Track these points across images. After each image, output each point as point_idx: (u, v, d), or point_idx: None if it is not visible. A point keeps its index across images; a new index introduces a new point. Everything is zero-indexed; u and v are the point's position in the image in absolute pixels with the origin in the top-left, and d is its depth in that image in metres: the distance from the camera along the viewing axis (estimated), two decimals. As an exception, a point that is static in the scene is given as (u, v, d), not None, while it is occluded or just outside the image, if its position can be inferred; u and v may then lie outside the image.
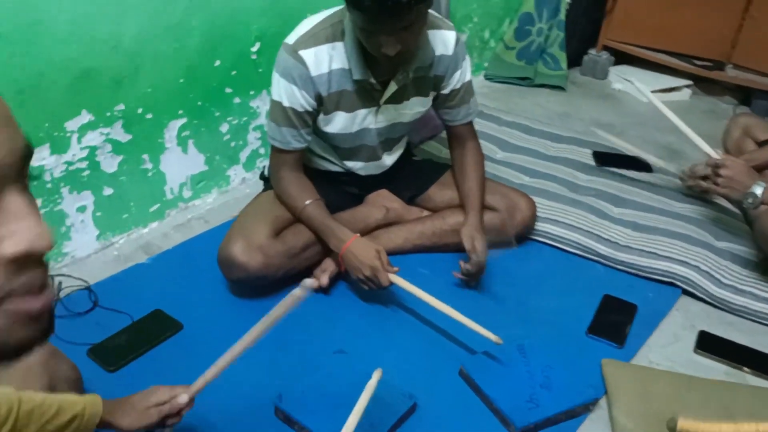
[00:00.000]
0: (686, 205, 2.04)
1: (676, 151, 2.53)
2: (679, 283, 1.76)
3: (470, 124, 1.81)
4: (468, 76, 1.73)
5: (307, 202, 1.61)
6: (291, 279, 1.66)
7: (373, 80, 1.55)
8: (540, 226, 1.90)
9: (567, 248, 1.88)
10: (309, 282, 1.03)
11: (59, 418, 0.99)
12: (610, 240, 1.85)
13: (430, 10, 1.62)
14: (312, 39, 1.50)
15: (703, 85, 3.09)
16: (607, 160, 2.29)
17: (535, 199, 1.93)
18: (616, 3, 3.08)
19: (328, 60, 1.51)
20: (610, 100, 3.02)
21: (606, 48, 3.21)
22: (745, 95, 3.01)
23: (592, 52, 3.22)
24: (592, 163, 2.28)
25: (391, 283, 1.55)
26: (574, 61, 3.21)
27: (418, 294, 1.51)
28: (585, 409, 1.39)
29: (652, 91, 2.90)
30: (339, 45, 1.52)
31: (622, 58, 3.21)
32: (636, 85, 2.08)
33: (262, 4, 1.89)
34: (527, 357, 1.48)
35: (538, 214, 1.91)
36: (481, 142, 2.34)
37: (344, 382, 1.38)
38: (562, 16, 3.03)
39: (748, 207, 1.69)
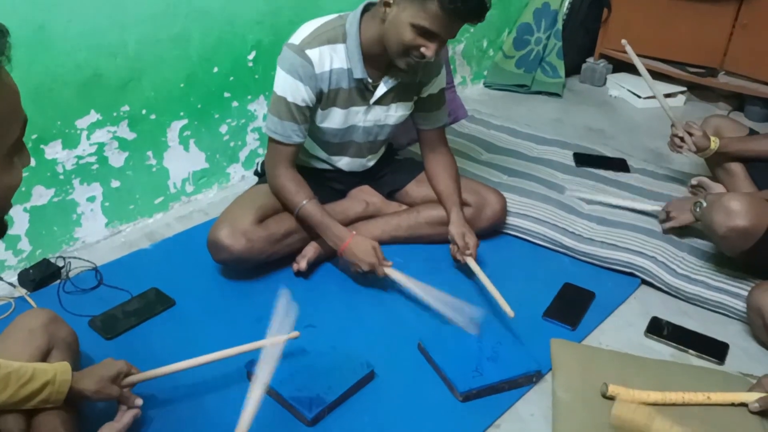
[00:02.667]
0: (658, 202, 2.14)
1: (661, 155, 2.63)
2: (637, 273, 1.87)
3: (442, 128, 1.96)
4: (444, 83, 1.88)
5: (305, 201, 1.76)
6: (273, 263, 1.84)
7: (369, 80, 1.71)
8: (511, 220, 2.04)
9: (535, 240, 2.01)
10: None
11: (33, 384, 1.15)
12: (574, 233, 1.97)
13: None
14: (316, 40, 1.67)
15: (697, 91, 3.18)
16: (587, 160, 2.41)
17: (509, 195, 2.07)
18: (611, 14, 3.20)
19: (329, 59, 1.68)
20: (604, 107, 3.12)
21: (603, 56, 3.32)
22: (739, 101, 3.08)
23: (590, 60, 3.34)
24: (572, 163, 2.40)
25: (385, 275, 1.71)
26: (574, 69, 3.33)
27: (410, 285, 1.68)
28: (527, 380, 1.51)
29: (647, 98, 3.04)
30: (339, 47, 1.69)
31: (619, 66, 3.31)
32: (626, 48, 2.18)
33: (257, 15, 2.09)
34: (481, 334, 1.61)
35: (510, 209, 2.04)
36: (468, 143, 2.52)
37: (310, 351, 1.55)
38: (560, 26, 3.16)
39: (698, 215, 1.80)
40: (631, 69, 3.27)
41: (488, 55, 3.22)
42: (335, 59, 1.69)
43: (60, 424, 1.20)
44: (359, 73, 1.70)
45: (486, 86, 3.25)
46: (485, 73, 3.25)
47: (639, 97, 3.11)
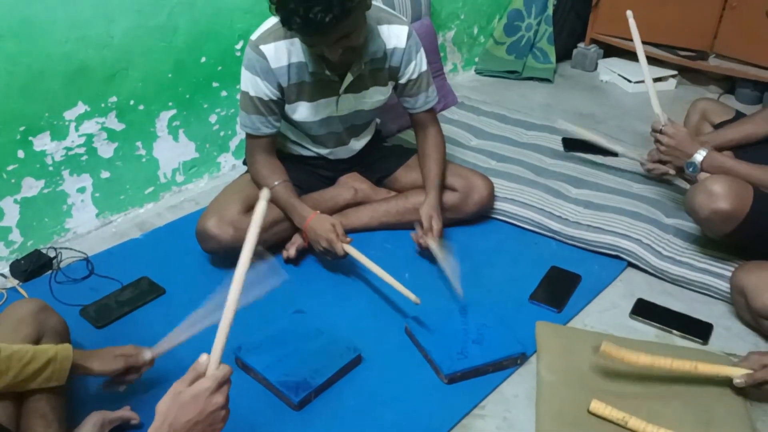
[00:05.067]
0: (645, 186, 2.16)
1: (651, 139, 2.63)
2: (623, 256, 1.88)
3: (431, 111, 1.96)
4: (424, 67, 1.88)
5: (276, 183, 1.80)
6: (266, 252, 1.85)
7: (328, 72, 1.72)
8: (498, 205, 2.05)
9: (522, 225, 2.03)
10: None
11: (35, 363, 1.18)
12: (561, 217, 1.98)
13: (382, 6, 1.80)
14: (272, 35, 1.68)
15: (688, 75, 3.18)
16: (576, 145, 2.41)
17: (497, 180, 2.09)
18: (601, -2, 3.20)
19: (287, 54, 1.69)
20: (595, 92, 3.13)
21: (594, 41, 3.32)
22: (730, 84, 3.08)
23: (581, 45, 3.34)
24: (561, 148, 2.41)
25: (346, 254, 1.73)
26: (565, 54, 3.33)
27: (365, 261, 1.68)
28: (512, 362, 1.54)
29: (637, 82, 3.04)
30: (297, 41, 1.70)
31: (610, 51, 3.31)
32: (630, 20, 2.16)
33: (244, 4, 2.09)
34: (467, 317, 1.64)
35: (498, 194, 2.05)
36: (458, 130, 2.52)
37: (298, 335, 1.57)
38: (550, 11, 3.15)
39: (690, 175, 1.80)
40: (622, 54, 3.29)
41: (479, 41, 3.22)
42: (294, 54, 1.70)
43: (49, 410, 1.22)
44: (313, 66, 1.71)
45: (477, 73, 3.26)
46: (476, 59, 3.26)
47: (629, 81, 3.11)
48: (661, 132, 1.84)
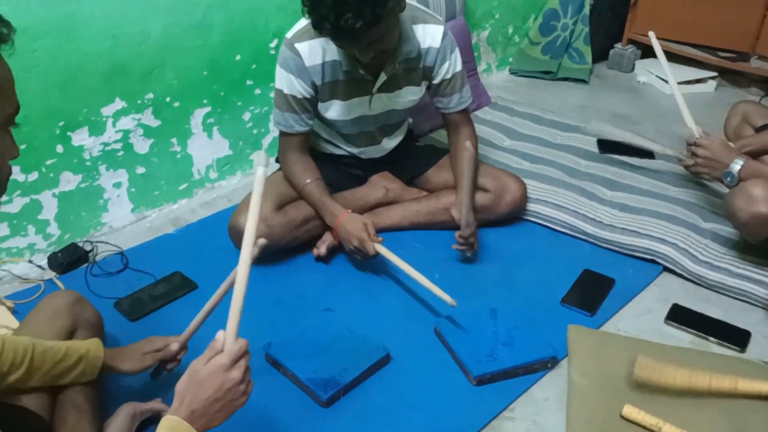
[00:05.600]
0: (683, 189, 2.11)
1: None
2: (658, 260, 1.84)
3: (464, 111, 1.95)
4: (458, 67, 1.87)
5: (308, 181, 1.80)
6: (293, 249, 1.87)
7: (362, 71, 1.72)
8: (531, 206, 2.03)
9: (554, 227, 2.00)
10: (261, 242, 1.18)
11: (68, 360, 1.21)
12: (595, 219, 1.95)
13: (417, 5, 1.79)
14: (307, 33, 1.69)
15: (728, 76, 3.10)
16: (611, 147, 2.37)
17: (530, 182, 2.06)
18: (639, -3, 3.14)
19: (321, 52, 1.70)
20: (632, 93, 3.07)
21: (631, 42, 3.26)
22: (771, 86, 3.00)
23: (618, 46, 3.28)
24: (596, 150, 2.37)
25: (377, 253, 1.72)
26: (601, 55, 3.28)
27: (397, 261, 1.67)
28: (543, 366, 1.51)
29: (677, 83, 2.97)
30: None
31: (648, 51, 3.24)
32: (652, 40, 2.13)
33: (278, 3, 2.10)
34: (497, 320, 1.62)
35: (530, 195, 2.03)
36: (491, 130, 2.50)
37: (327, 334, 1.57)
38: (587, 11, 3.11)
39: (728, 185, 1.76)
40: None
41: (514, 41, 3.19)
42: (329, 52, 1.71)
43: (83, 401, 1.25)
44: (347, 65, 1.71)
45: (511, 73, 3.23)
46: (510, 59, 3.23)
47: (668, 83, 3.04)
48: (696, 144, 1.81)
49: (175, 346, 1.36)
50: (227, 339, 0.95)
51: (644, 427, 1.33)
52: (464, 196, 1.81)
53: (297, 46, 1.69)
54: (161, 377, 1.40)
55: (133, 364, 1.33)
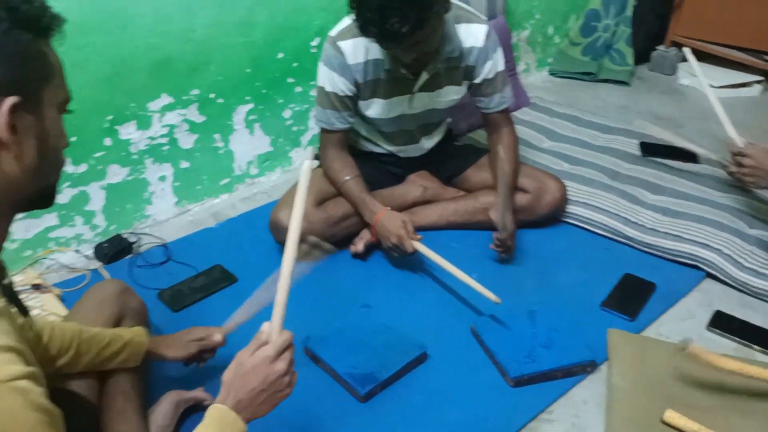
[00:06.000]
0: (726, 194, 2.07)
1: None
2: (701, 266, 1.81)
3: (505, 111, 1.94)
4: (500, 67, 1.86)
5: (347, 177, 1.82)
6: (332, 245, 1.88)
7: (403, 70, 1.73)
8: (571, 208, 2.01)
9: (595, 230, 1.98)
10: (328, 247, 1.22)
11: (113, 345, 1.24)
12: (637, 223, 1.92)
13: (461, 4, 1.79)
14: (351, 32, 1.70)
15: (775, 80, 3.03)
16: (653, 150, 2.34)
17: (569, 183, 2.04)
18: (684, -2, 3.08)
19: (364, 51, 1.71)
20: (674, 95, 3.02)
21: (674, 44, 3.21)
22: (821, 91, 2.92)
23: (661, 48, 3.23)
24: (638, 153, 2.34)
25: (415, 251, 1.73)
26: (642, 57, 3.23)
27: (437, 259, 1.67)
28: (581, 369, 1.50)
29: (720, 87, 2.92)
30: None
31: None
32: (686, 55, 2.10)
33: (321, 1, 2.12)
34: (535, 321, 1.61)
35: (570, 197, 2.01)
36: (530, 131, 2.49)
37: (365, 329, 1.58)
38: (629, 12, 3.07)
39: None
40: (704, 57, 3.16)
41: (553, 41, 3.17)
42: (371, 50, 1.72)
43: (130, 387, 1.28)
44: (389, 64, 1.72)
45: (550, 73, 3.20)
46: (550, 60, 3.20)
47: (712, 86, 2.98)
48: (741, 154, 1.78)
49: (218, 337, 1.39)
50: (272, 331, 0.97)
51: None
52: (502, 197, 1.81)
53: (340, 44, 1.70)
54: (194, 366, 1.43)
55: (177, 351, 1.36)
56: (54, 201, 0.86)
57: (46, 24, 0.77)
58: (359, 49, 1.71)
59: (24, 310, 0.85)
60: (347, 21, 1.73)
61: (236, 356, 0.97)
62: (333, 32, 1.73)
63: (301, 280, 1.75)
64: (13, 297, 0.81)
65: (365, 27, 1.52)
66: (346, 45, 1.70)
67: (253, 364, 0.94)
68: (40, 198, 0.83)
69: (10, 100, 0.73)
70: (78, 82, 1.73)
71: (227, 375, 0.96)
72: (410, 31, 1.47)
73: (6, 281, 0.80)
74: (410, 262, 1.85)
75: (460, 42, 1.76)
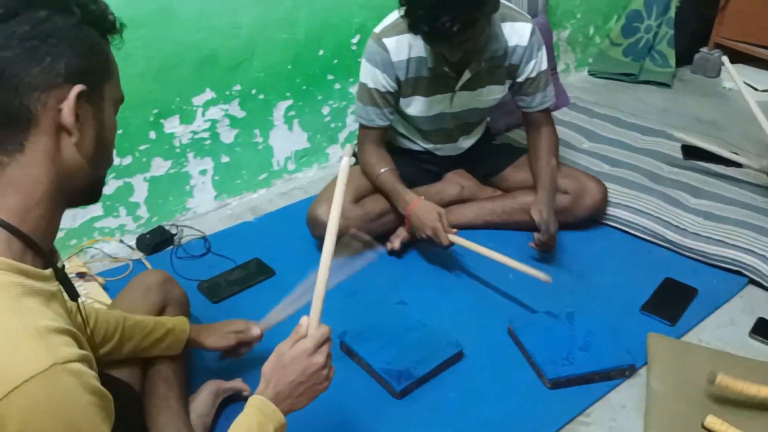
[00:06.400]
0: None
1: (779, 150, 2.47)
2: (744, 272, 1.78)
3: (546, 110, 1.93)
4: (544, 66, 1.85)
5: (382, 170, 1.82)
6: (371, 238, 1.88)
7: (446, 69, 1.73)
8: (611, 210, 1.99)
9: (635, 233, 1.95)
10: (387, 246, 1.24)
11: (156, 333, 1.27)
12: (678, 227, 1.89)
13: (505, 2, 1.78)
14: (395, 29, 1.71)
15: (824, 84, 2.95)
16: (696, 153, 2.30)
17: (609, 185, 2.02)
18: (729, 0, 3.01)
19: (408, 48, 1.71)
20: (717, 98, 2.96)
21: (718, 46, 3.14)
22: None
23: (704, 50, 3.17)
24: (680, 155, 2.30)
25: (451, 244, 1.72)
26: (685, 59, 3.17)
27: (476, 248, 1.68)
28: (620, 374, 1.48)
29: (764, 90, 2.86)
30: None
31: (735, 56, 3.11)
32: (725, 63, 2.07)
33: (362, -1, 2.14)
34: (574, 323, 1.60)
35: (611, 199, 1.99)
36: (569, 132, 2.46)
37: (401, 326, 1.59)
38: (672, 13, 3.01)
39: None
40: (748, 60, 3.10)
41: (594, 42, 3.13)
42: (415, 48, 1.72)
43: (171, 375, 1.30)
44: (432, 61, 1.72)
45: (590, 74, 3.16)
46: (590, 60, 3.16)
47: (756, 89, 2.92)
48: None
49: (256, 331, 1.41)
50: (311, 324, 0.98)
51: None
52: (544, 197, 1.79)
53: (385, 40, 1.71)
54: (225, 357, 1.46)
55: (216, 341, 1.39)
56: (100, 196, 0.89)
57: (110, 25, 0.81)
58: (403, 47, 1.71)
59: (75, 295, 0.87)
60: (391, 18, 1.74)
61: (276, 348, 0.99)
62: (377, 29, 1.74)
63: (346, 279, 1.76)
64: (65, 281, 0.83)
65: (415, 25, 1.53)
66: (390, 42, 1.71)
67: (293, 356, 0.96)
68: (90, 191, 0.85)
69: (78, 88, 0.75)
70: (126, 75, 1.75)
71: (267, 367, 0.98)
72: (461, 30, 1.48)
73: (59, 264, 0.82)
74: (446, 260, 1.85)
75: (505, 40, 1.75)
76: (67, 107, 0.75)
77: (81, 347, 0.73)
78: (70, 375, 0.67)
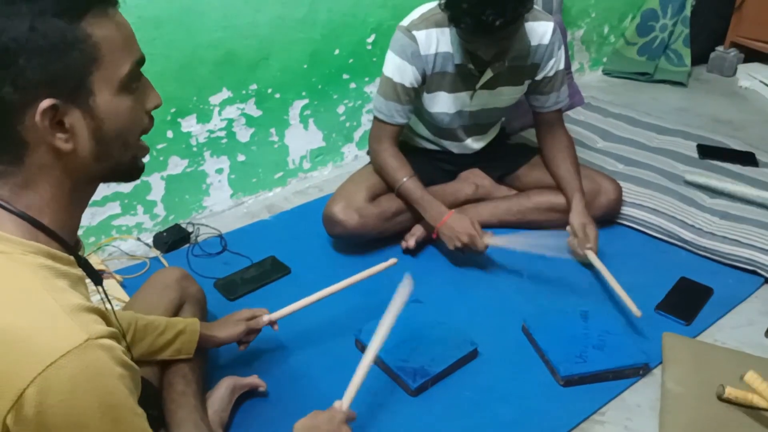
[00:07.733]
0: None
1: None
2: (760, 272, 1.77)
3: (559, 111, 1.93)
4: (562, 65, 1.85)
5: (405, 179, 1.81)
6: (384, 240, 1.91)
7: (471, 66, 1.73)
8: (626, 210, 1.98)
9: (650, 232, 1.95)
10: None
11: (166, 334, 1.28)
12: (694, 226, 1.89)
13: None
14: (424, 22, 1.72)
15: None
16: (711, 152, 2.29)
17: (624, 184, 2.02)
18: (746, -2, 3.00)
19: (435, 42, 1.72)
20: (734, 98, 2.95)
21: (735, 45, 3.12)
22: None
23: (720, 49, 3.15)
24: (695, 155, 2.29)
25: (486, 248, 1.74)
26: (701, 58, 3.16)
27: (516, 244, 1.71)
28: (634, 372, 1.48)
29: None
30: (447, 30, 1.72)
31: (752, 55, 3.10)
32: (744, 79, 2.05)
33: (378, -1, 2.15)
34: (588, 322, 1.60)
35: (625, 198, 1.99)
36: (584, 131, 2.47)
37: (416, 324, 1.59)
38: (688, 11, 3.00)
39: None
40: (765, 58, 3.07)
41: (609, 41, 3.12)
42: (442, 43, 1.72)
43: (189, 371, 1.32)
44: (459, 58, 1.72)
45: (605, 73, 3.16)
46: (604, 59, 3.16)
47: (775, 89, 2.91)
48: None
49: (264, 318, 1.44)
50: (344, 402, 1.22)
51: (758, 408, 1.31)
52: (579, 204, 1.81)
53: (415, 33, 1.71)
54: (250, 355, 1.50)
55: (228, 331, 1.40)
56: (139, 175, 0.86)
57: (83, 3, 0.71)
58: (432, 41, 1.72)
59: (98, 280, 0.89)
60: (419, 12, 1.74)
61: (311, 414, 1.18)
62: (404, 22, 1.74)
63: (351, 272, 1.76)
64: (87, 267, 0.85)
65: (459, 17, 1.53)
66: (420, 35, 1.71)
67: (327, 417, 1.17)
68: (117, 173, 0.83)
69: (45, 104, 0.70)
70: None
71: (299, 424, 1.16)
72: (504, 24, 1.49)
73: (81, 252, 0.84)
74: (461, 260, 1.86)
75: (527, 40, 1.75)
76: (42, 126, 0.71)
77: (109, 325, 0.75)
78: (102, 349, 0.70)
